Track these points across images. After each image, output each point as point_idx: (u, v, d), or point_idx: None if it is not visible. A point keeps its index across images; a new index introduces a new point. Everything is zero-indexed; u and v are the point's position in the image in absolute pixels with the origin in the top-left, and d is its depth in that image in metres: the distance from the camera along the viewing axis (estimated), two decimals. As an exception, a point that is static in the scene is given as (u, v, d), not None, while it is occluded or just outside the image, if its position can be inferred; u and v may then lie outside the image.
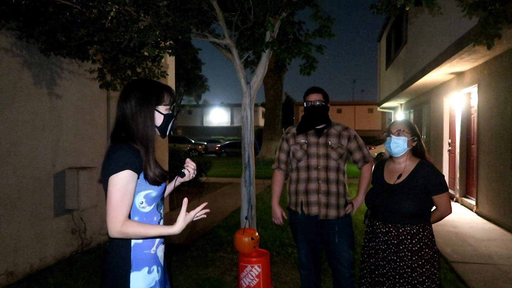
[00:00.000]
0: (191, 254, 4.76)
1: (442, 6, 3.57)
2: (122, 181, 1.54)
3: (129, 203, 1.56)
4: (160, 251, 1.74)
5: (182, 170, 1.90)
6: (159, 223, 1.72)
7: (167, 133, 1.77)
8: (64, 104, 4.70)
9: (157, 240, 1.71)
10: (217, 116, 55.95)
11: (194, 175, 1.89)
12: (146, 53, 4.12)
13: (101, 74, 4.72)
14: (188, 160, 1.91)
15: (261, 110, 46.36)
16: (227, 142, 29.95)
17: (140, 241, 1.65)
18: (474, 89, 7.43)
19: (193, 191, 9.85)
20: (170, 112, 1.75)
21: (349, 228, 2.92)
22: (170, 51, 4.38)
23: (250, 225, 4.18)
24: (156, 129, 1.72)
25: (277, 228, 5.60)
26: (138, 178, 1.60)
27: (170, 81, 7.73)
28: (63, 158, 4.68)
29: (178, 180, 1.94)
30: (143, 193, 1.65)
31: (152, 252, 1.68)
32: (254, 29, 4.23)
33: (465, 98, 8.10)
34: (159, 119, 1.71)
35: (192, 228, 6.09)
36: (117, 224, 1.53)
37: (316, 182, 2.84)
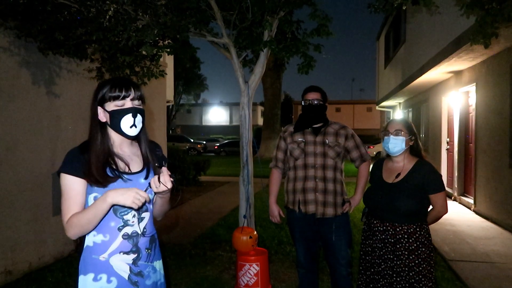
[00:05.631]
0: (189, 252, 4.77)
1: (440, 5, 3.59)
2: (62, 183, 1.56)
3: (70, 204, 1.52)
4: (118, 261, 1.56)
5: (149, 182, 1.56)
6: (120, 230, 1.57)
7: (122, 130, 1.57)
8: (62, 103, 4.70)
9: (111, 248, 1.56)
10: (216, 115, 55.90)
11: (169, 186, 1.51)
12: (144, 52, 4.12)
13: (99, 73, 4.72)
14: (163, 169, 1.55)
15: (260, 109, 46.32)
16: (226, 141, 29.93)
17: (91, 243, 1.56)
18: (472, 88, 7.45)
19: (192, 189, 9.87)
20: (122, 107, 1.55)
21: (347, 227, 2.93)
22: (168, 50, 4.39)
23: (248, 224, 4.19)
24: (111, 129, 1.62)
25: (276, 226, 5.62)
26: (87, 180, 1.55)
27: (169, 80, 7.75)
28: (62, 157, 4.65)
29: (160, 193, 1.58)
30: (92, 195, 1.56)
31: (102, 259, 1.55)
32: (252, 28, 4.23)
33: (463, 97, 8.12)
34: (106, 118, 1.60)
35: (190, 226, 6.09)
36: (65, 227, 1.51)
37: (314, 180, 2.84)
